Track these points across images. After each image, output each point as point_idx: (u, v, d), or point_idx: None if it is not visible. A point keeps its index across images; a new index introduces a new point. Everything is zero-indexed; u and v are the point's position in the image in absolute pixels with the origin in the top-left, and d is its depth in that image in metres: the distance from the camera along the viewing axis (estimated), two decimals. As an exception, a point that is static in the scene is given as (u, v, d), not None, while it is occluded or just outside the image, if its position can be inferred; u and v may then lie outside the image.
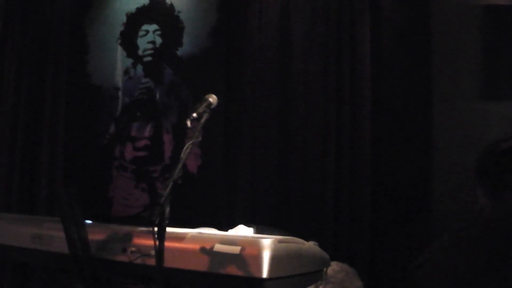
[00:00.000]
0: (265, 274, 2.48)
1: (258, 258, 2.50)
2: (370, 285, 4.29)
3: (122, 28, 5.89)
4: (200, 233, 2.94)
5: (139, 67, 5.76)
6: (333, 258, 3.37)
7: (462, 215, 4.00)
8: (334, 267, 3.59)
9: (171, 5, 5.60)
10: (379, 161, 4.45)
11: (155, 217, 2.50)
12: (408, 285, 3.41)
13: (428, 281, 2.92)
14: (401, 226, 4.33)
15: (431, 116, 4.38)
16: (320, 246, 3.22)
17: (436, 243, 3.10)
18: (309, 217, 4.53)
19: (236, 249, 2.56)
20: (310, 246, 3.06)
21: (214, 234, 2.98)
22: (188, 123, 3.17)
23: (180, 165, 2.83)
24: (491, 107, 4.28)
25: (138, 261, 2.80)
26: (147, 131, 5.63)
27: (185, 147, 2.93)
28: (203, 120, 3.24)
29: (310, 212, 4.53)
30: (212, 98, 3.44)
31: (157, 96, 5.62)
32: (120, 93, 5.84)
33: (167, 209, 2.64)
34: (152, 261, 2.61)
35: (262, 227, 3.89)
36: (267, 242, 2.55)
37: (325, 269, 3.11)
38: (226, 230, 3.39)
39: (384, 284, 4.28)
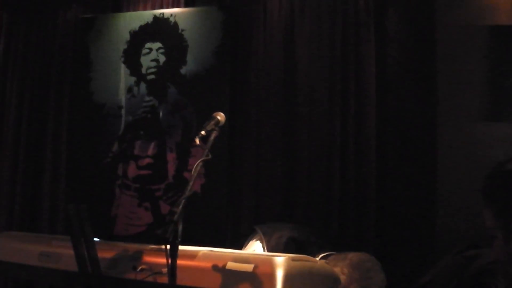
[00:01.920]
0: (278, 292, 2.46)
1: (271, 276, 2.49)
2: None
3: (125, 46, 5.87)
4: (211, 250, 2.93)
5: (143, 85, 5.74)
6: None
7: (466, 233, 4.01)
8: (362, 256, 3.57)
9: (175, 24, 5.59)
10: (384, 181, 4.44)
11: (169, 235, 2.49)
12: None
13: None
14: (405, 245, 4.31)
15: (436, 135, 4.38)
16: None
17: (438, 265, 3.09)
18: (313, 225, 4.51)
19: (249, 267, 2.55)
20: (322, 264, 3.05)
21: (226, 252, 2.97)
22: (197, 140, 3.17)
23: (192, 183, 2.82)
24: (495, 128, 4.27)
25: (149, 279, 2.79)
26: (151, 149, 5.60)
27: (195, 165, 2.92)
28: (212, 137, 3.24)
29: (315, 218, 4.51)
30: (220, 116, 3.44)
31: (161, 114, 5.60)
32: (123, 111, 5.82)
33: (180, 227, 2.63)
34: (163, 279, 2.60)
35: (268, 227, 3.88)
36: (281, 260, 2.54)
37: (335, 288, 3.09)
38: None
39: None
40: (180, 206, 2.64)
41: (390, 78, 4.51)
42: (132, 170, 5.66)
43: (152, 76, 5.70)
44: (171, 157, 5.44)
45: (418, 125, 4.42)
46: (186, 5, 5.67)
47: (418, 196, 4.35)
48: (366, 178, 4.45)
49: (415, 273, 3.27)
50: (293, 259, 2.64)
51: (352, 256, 3.44)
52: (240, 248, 3.82)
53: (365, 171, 4.46)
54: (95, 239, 3.08)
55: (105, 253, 2.99)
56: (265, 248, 3.64)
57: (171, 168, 5.40)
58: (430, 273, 3.09)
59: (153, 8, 5.80)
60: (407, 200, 4.36)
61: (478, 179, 2.39)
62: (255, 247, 3.71)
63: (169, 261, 2.50)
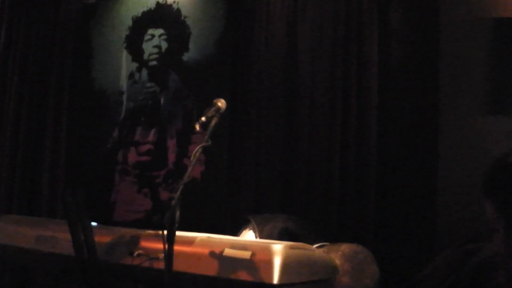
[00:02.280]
0: (276, 280, 2.44)
1: (269, 264, 2.47)
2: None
3: (127, 32, 5.86)
4: (209, 237, 2.91)
5: (144, 72, 5.72)
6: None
7: (466, 227, 3.99)
8: (355, 248, 3.54)
9: (178, 10, 5.56)
10: (385, 176, 4.42)
11: (166, 220, 2.47)
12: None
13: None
14: (405, 240, 4.30)
15: (438, 129, 4.35)
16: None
17: (437, 258, 3.08)
18: (313, 216, 4.49)
19: (246, 254, 2.53)
20: (320, 253, 3.03)
21: (224, 238, 2.95)
22: (197, 127, 3.15)
23: (191, 168, 2.81)
24: (497, 121, 4.24)
25: (146, 264, 2.77)
26: (151, 136, 5.59)
27: (195, 151, 2.90)
28: (212, 124, 3.22)
29: (314, 211, 4.49)
30: (221, 103, 3.42)
31: (162, 101, 5.58)
32: (124, 98, 5.81)
33: (178, 212, 2.61)
34: (159, 265, 2.58)
35: (261, 218, 3.86)
36: (279, 248, 2.52)
37: (333, 278, 3.08)
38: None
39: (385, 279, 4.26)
40: (178, 192, 2.62)
41: (393, 72, 4.48)
42: (132, 156, 5.65)
43: (154, 63, 5.69)
44: (171, 143, 5.42)
45: (420, 119, 4.39)
46: (189, -8, 5.63)
47: (419, 191, 4.33)
48: (366, 173, 4.42)
49: (415, 267, 3.26)
50: (291, 247, 2.62)
51: (345, 248, 3.41)
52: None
53: (365, 166, 4.43)
54: (93, 223, 3.06)
55: (102, 238, 2.97)
56: (257, 238, 3.63)
57: (171, 155, 5.39)
58: (429, 266, 3.07)
59: (156, -7, 5.76)
60: (407, 194, 4.34)
61: (480, 173, 2.37)
62: (247, 237, 3.69)
63: (166, 246, 2.48)
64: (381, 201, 4.37)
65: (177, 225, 2.53)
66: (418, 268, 3.10)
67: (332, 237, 4.34)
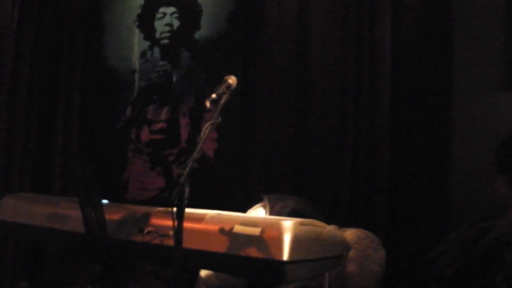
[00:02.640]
0: (285, 256, 2.43)
1: (279, 240, 2.45)
2: (387, 273, 4.26)
3: (139, 11, 5.84)
4: (219, 213, 2.91)
5: (156, 50, 5.72)
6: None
7: (479, 204, 3.97)
8: (359, 233, 3.53)
9: (190, -12, 5.56)
10: (398, 154, 4.39)
11: (174, 197, 2.46)
12: (423, 276, 3.38)
13: (443, 273, 2.88)
14: (419, 219, 4.28)
15: (451, 105, 4.32)
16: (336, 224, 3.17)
17: (451, 235, 3.06)
18: (324, 197, 4.48)
19: (256, 231, 2.52)
20: (331, 230, 3.01)
21: (234, 215, 2.94)
22: (207, 104, 3.14)
23: (200, 145, 2.79)
24: (511, 98, 4.21)
25: (156, 241, 2.77)
26: (164, 114, 5.59)
27: (205, 127, 2.89)
28: (222, 101, 3.21)
29: (326, 192, 4.47)
30: (232, 80, 3.41)
31: (174, 79, 5.58)
32: (136, 76, 5.81)
33: (187, 189, 2.60)
34: (169, 242, 2.57)
35: (274, 197, 3.86)
36: (288, 224, 2.50)
37: (344, 255, 3.06)
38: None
39: (399, 266, 4.24)
40: (187, 169, 2.61)
41: (406, 49, 4.44)
42: (145, 135, 5.66)
43: (166, 41, 5.68)
44: (184, 121, 5.42)
45: (433, 95, 4.35)
46: (200, -31, 5.60)
47: (432, 169, 4.30)
48: (379, 152, 4.39)
49: (428, 246, 3.24)
50: (301, 224, 2.60)
51: (349, 234, 3.40)
52: (249, 215, 3.81)
53: (378, 145, 4.40)
54: (103, 201, 3.06)
55: (113, 215, 2.97)
56: (267, 215, 3.63)
57: (184, 133, 5.39)
58: (443, 244, 3.06)
59: (168, -29, 5.74)
60: (421, 173, 4.31)
61: (494, 150, 2.35)
62: (257, 213, 3.69)
63: (175, 223, 2.48)
64: (394, 180, 4.34)
65: (186, 201, 2.52)
66: (432, 247, 3.10)
67: (343, 218, 4.34)
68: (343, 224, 4.25)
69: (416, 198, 4.27)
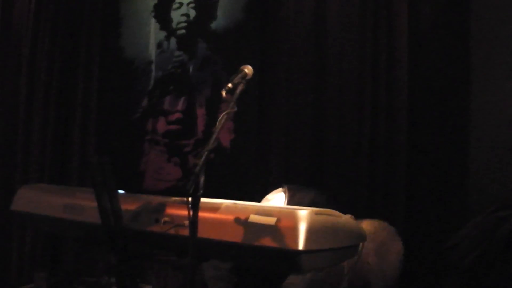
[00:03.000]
0: (301, 246, 2.42)
1: (294, 230, 2.44)
2: (404, 262, 4.25)
3: (155, 1, 5.85)
4: (235, 203, 2.90)
5: (173, 40, 5.72)
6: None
7: (498, 193, 3.94)
8: (376, 224, 3.52)
9: (205, -22, 5.55)
10: (415, 142, 4.37)
11: (189, 187, 2.46)
12: (441, 265, 3.36)
13: (460, 262, 2.87)
14: (436, 204, 4.26)
15: (469, 93, 4.29)
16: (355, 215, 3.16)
17: (469, 225, 3.04)
18: (343, 185, 4.46)
19: (271, 220, 2.51)
20: (347, 219, 2.99)
21: (249, 205, 2.93)
22: (223, 93, 3.13)
23: (215, 135, 2.79)
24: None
25: (171, 231, 2.77)
26: (180, 104, 5.59)
27: (220, 117, 2.89)
28: (238, 90, 3.21)
29: (344, 180, 4.46)
30: (248, 69, 3.40)
31: (191, 69, 5.58)
32: (153, 67, 5.82)
33: (202, 179, 2.60)
34: (185, 232, 2.57)
35: (295, 187, 3.85)
36: (304, 214, 2.49)
37: (361, 244, 3.05)
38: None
39: (417, 256, 4.22)
40: (202, 158, 2.61)
41: (423, 35, 4.41)
42: (161, 125, 5.67)
43: (182, 31, 5.67)
44: (200, 112, 5.42)
45: (451, 83, 4.33)
46: (216, -41, 5.58)
47: (450, 157, 4.28)
48: (396, 141, 4.37)
49: (447, 235, 3.23)
50: (317, 213, 2.58)
51: (366, 225, 3.39)
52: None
53: (396, 134, 4.38)
54: (120, 191, 3.06)
55: (129, 206, 2.97)
56: (286, 202, 3.63)
57: (201, 124, 5.39)
58: (461, 233, 3.05)
59: (184, -39, 5.73)
60: (438, 161, 4.29)
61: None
62: (277, 196, 3.69)
63: (190, 213, 2.48)
64: (411, 170, 4.32)
65: (201, 191, 2.52)
66: (450, 236, 3.08)
67: (361, 208, 4.33)
68: (361, 214, 4.26)
69: (434, 187, 4.26)
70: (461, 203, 4.15)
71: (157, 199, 3.02)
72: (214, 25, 5.47)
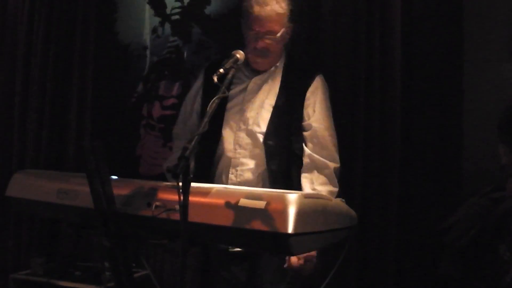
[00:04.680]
0: (290, 229, 2.44)
1: (283, 213, 2.46)
2: (399, 244, 4.28)
3: (150, -13, 5.86)
4: (225, 187, 2.92)
5: (167, 26, 5.73)
6: (360, 211, 3.31)
7: (492, 175, 3.97)
8: None
9: (199, -37, 5.55)
10: (409, 125, 4.39)
11: (179, 171, 2.48)
12: (435, 247, 3.38)
13: (455, 244, 2.89)
14: (431, 186, 4.29)
15: (462, 75, 4.31)
16: (347, 203, 3.18)
17: (463, 206, 3.06)
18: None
19: (261, 204, 2.53)
20: (337, 202, 3.02)
21: (240, 189, 2.96)
22: (215, 78, 3.15)
23: (206, 119, 2.81)
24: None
25: (163, 215, 2.78)
26: (175, 89, 5.62)
27: (211, 101, 2.91)
28: (230, 75, 3.23)
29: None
30: (239, 54, 3.43)
31: (185, 54, 5.60)
32: (148, 52, 5.84)
33: (192, 163, 2.62)
34: (176, 216, 2.59)
35: None
36: (293, 197, 2.51)
37: (351, 226, 3.07)
38: None
39: (412, 238, 4.25)
40: (193, 142, 2.63)
41: (416, 17, 4.42)
42: (156, 110, 5.69)
43: (177, 17, 5.69)
44: (195, 96, 5.43)
45: (443, 66, 4.35)
46: None
47: (444, 139, 4.31)
48: (390, 123, 4.39)
49: (441, 217, 3.25)
50: (306, 196, 2.61)
51: None
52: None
53: (389, 115, 4.40)
54: (113, 176, 3.08)
55: (121, 190, 2.98)
56: None
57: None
58: (455, 215, 3.07)
59: None
60: (433, 143, 4.32)
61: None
62: None
63: (181, 197, 2.50)
64: (406, 151, 4.35)
65: (191, 175, 2.54)
66: (444, 217, 3.10)
67: (357, 190, 4.35)
68: (355, 197, 4.28)
69: (428, 169, 4.29)
70: (455, 185, 4.18)
71: (148, 184, 3.04)
72: (208, 10, 5.48)
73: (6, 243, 6.09)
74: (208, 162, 3.91)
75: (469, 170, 4.21)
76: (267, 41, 3.78)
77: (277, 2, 3.78)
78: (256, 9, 3.79)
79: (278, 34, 3.77)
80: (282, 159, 3.79)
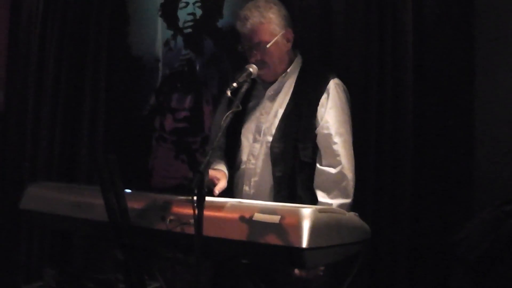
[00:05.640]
0: (304, 243, 2.46)
1: (297, 228, 2.48)
2: (410, 257, 4.26)
3: (162, 0, 5.87)
4: (239, 202, 2.94)
5: (180, 39, 5.74)
6: (372, 227, 3.31)
7: (504, 188, 3.95)
8: None
9: (211, -23, 5.57)
10: (420, 134, 4.37)
11: (194, 185, 2.50)
12: (448, 260, 3.38)
13: (467, 257, 2.89)
14: (442, 199, 4.27)
15: (474, 88, 4.29)
16: (360, 216, 3.18)
17: (476, 218, 3.06)
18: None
19: (275, 218, 2.55)
20: (351, 217, 3.03)
21: (254, 203, 2.97)
22: (228, 92, 3.18)
23: (220, 134, 2.83)
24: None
25: (177, 229, 2.80)
26: (187, 102, 5.63)
27: (225, 116, 2.93)
28: (243, 89, 3.24)
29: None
30: (253, 68, 3.45)
31: (197, 67, 5.61)
32: (160, 65, 5.84)
33: (207, 177, 2.64)
34: (191, 230, 2.61)
35: None
36: (307, 212, 2.53)
37: (366, 240, 3.08)
38: None
39: (424, 251, 4.24)
40: (207, 157, 2.65)
41: (427, 17, 4.40)
42: (169, 123, 5.70)
43: (189, 30, 5.70)
44: (207, 109, 5.46)
45: (455, 73, 4.32)
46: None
47: (455, 152, 4.29)
48: (402, 135, 4.37)
49: (453, 230, 3.25)
50: (320, 211, 2.62)
51: None
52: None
53: (402, 129, 4.38)
54: (127, 190, 3.10)
55: (135, 204, 3.01)
56: None
57: (207, 121, 5.43)
58: (467, 228, 3.07)
59: (190, -40, 5.75)
60: (444, 156, 4.30)
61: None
62: None
63: (195, 211, 2.51)
64: (417, 164, 4.33)
65: (206, 190, 2.55)
66: (456, 230, 3.10)
67: (368, 202, 4.34)
68: (367, 210, 4.27)
69: (440, 182, 4.26)
70: (467, 197, 4.15)
71: (162, 198, 3.05)
72: (220, 23, 5.50)
73: (19, 255, 6.11)
74: (230, 174, 3.92)
75: (480, 183, 4.20)
76: (259, 52, 3.80)
77: (260, 13, 3.79)
78: (239, 25, 3.85)
79: (269, 44, 3.77)
80: (288, 166, 3.77)
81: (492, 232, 2.89)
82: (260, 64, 3.79)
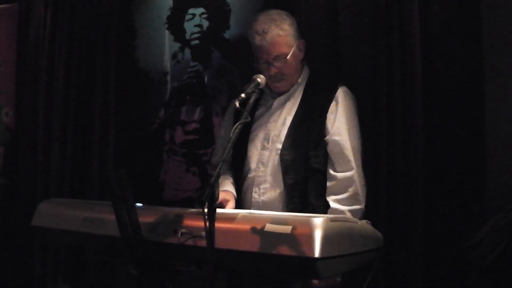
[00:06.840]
0: (317, 253, 2.45)
1: (309, 238, 2.47)
2: (424, 263, 4.25)
3: (168, 13, 5.88)
4: (251, 213, 2.93)
5: (187, 51, 5.75)
6: (385, 234, 3.30)
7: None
8: None
9: (217, -12, 5.58)
10: (431, 138, 4.36)
11: (205, 198, 2.50)
12: (460, 265, 3.37)
13: (481, 261, 2.88)
14: (455, 203, 4.25)
15: (484, 88, 4.27)
16: (373, 224, 3.17)
17: (489, 223, 3.05)
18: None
19: (287, 229, 2.54)
20: (363, 225, 3.02)
21: (265, 214, 2.97)
22: (237, 103, 3.18)
23: (229, 146, 2.82)
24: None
25: (189, 242, 2.80)
26: (197, 114, 5.63)
27: (234, 127, 2.93)
28: (252, 100, 3.24)
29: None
30: (260, 78, 3.44)
31: (206, 79, 5.61)
32: (168, 78, 5.85)
33: (217, 190, 2.64)
34: (203, 243, 2.60)
35: None
36: (319, 221, 2.52)
37: (378, 248, 3.07)
38: None
39: (438, 256, 4.21)
40: (217, 169, 2.64)
41: (434, 25, 4.39)
42: (179, 136, 5.71)
43: (196, 42, 5.71)
44: (217, 121, 5.46)
45: (465, 80, 4.31)
46: (228, -31, 5.61)
47: (467, 156, 4.27)
48: (412, 139, 4.36)
49: (466, 234, 3.23)
50: (332, 220, 2.61)
51: None
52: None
53: (412, 132, 4.37)
54: (138, 204, 3.10)
55: (146, 218, 3.01)
56: None
57: (217, 132, 5.41)
58: (480, 232, 3.06)
59: (196, -27, 5.76)
60: (456, 160, 4.28)
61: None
62: None
63: (207, 224, 2.51)
64: (429, 168, 4.32)
65: (217, 202, 2.55)
66: (469, 234, 3.09)
67: (380, 208, 4.33)
68: (379, 216, 4.25)
69: (452, 186, 4.24)
70: (479, 203, 4.14)
71: (174, 211, 3.06)
72: (227, 34, 5.51)
73: (33, 271, 6.12)
74: (237, 184, 3.92)
75: (493, 187, 4.18)
76: (278, 65, 3.81)
77: (277, 26, 3.80)
78: (258, 39, 3.83)
79: (288, 56, 3.79)
80: (299, 173, 3.77)
81: (506, 237, 2.87)
82: (278, 77, 3.85)
